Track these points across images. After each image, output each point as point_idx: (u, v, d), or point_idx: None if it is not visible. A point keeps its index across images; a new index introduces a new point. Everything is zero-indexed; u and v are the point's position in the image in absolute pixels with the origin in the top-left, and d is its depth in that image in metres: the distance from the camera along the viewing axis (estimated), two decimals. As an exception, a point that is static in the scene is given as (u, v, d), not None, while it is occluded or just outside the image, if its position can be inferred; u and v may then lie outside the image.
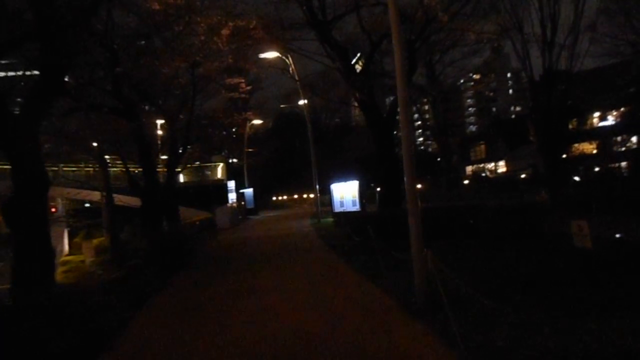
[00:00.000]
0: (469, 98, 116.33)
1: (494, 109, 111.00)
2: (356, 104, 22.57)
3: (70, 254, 40.12)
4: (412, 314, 7.12)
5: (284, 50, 22.98)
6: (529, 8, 24.33)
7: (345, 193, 26.05)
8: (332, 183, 28.27)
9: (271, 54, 24.40)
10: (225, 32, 15.08)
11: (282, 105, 47.63)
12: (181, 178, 40.06)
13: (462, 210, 15.74)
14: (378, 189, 38.66)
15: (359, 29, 17.71)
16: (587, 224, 8.03)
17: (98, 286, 12.74)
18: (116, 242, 16.70)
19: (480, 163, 74.54)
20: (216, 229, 27.39)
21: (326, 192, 33.73)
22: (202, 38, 15.77)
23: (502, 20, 23.75)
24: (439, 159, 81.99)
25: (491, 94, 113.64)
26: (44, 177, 10.66)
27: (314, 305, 8.06)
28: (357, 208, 25.12)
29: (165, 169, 28.92)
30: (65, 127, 25.47)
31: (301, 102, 37.60)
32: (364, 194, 25.67)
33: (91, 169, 37.12)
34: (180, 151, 24.32)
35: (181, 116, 25.01)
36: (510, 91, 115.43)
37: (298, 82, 25.01)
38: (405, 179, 8.08)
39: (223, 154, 47.13)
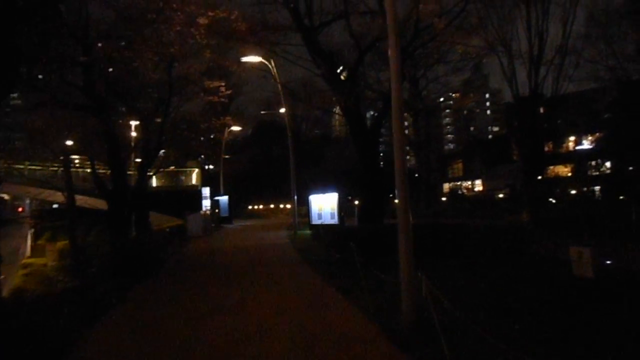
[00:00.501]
0: (446, 117, 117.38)
1: (471, 128, 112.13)
2: (339, 113, 21.84)
3: (33, 256, 38.29)
4: (398, 344, 6.27)
5: (267, 53, 22.17)
6: (516, 25, 24.05)
7: (324, 205, 25.20)
8: (310, 194, 27.42)
9: (254, 58, 23.56)
10: (202, 21, 14.13)
11: (262, 112, 46.78)
12: (154, 182, 38.70)
13: (445, 229, 15.07)
14: (356, 202, 38.12)
15: (346, 36, 17.09)
16: (589, 251, 7.33)
17: (48, 297, 11.58)
18: (75, 247, 15.51)
19: (458, 181, 74.74)
20: (187, 237, 26.20)
21: (304, 203, 32.87)
22: (178, 29, 14.76)
23: (489, 37, 23.45)
24: (416, 175, 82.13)
25: (466, 113, 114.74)
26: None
27: (285, 329, 7.14)
28: (335, 221, 24.27)
29: (137, 172, 27.72)
30: (28, 122, 24.19)
31: (282, 110, 36.80)
32: (343, 206, 24.87)
33: (57, 168, 35.59)
34: (153, 154, 23.18)
35: (158, 119, 23.94)
36: (488, 112, 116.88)
37: (280, 86, 24.17)
38: (397, 192, 7.30)
39: (199, 159, 45.89)
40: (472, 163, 71.82)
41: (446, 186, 72.75)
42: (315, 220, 25.98)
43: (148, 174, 28.73)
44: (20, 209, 63.55)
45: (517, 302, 7.97)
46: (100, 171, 31.62)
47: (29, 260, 35.40)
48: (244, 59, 23.42)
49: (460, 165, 76.78)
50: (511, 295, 8.48)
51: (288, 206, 63.83)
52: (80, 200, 28.64)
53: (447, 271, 10.54)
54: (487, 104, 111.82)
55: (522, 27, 24.19)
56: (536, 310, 7.44)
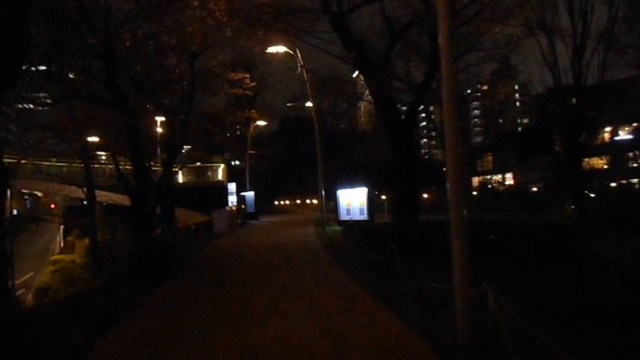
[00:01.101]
0: (474, 109, 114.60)
1: (500, 121, 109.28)
2: (369, 101, 20.60)
3: (63, 252, 38.33)
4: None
5: (292, 42, 21.11)
6: (558, 7, 22.33)
7: (353, 200, 24.12)
8: (337, 189, 26.36)
9: (279, 48, 22.58)
10: None
11: (288, 104, 45.76)
12: (180, 178, 38.21)
13: (487, 225, 13.79)
14: (383, 197, 36.79)
15: (373, 24, 15.91)
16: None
17: (64, 301, 10.82)
18: (96, 246, 14.84)
19: (487, 174, 72.48)
20: (213, 234, 25.46)
21: (331, 198, 31.82)
22: (196, 3, 13.80)
23: (528, 19, 21.85)
24: (444, 169, 79.91)
25: (495, 104, 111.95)
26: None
27: (318, 342, 6.10)
28: (364, 217, 23.17)
29: (162, 168, 27.11)
30: (49, 118, 23.75)
31: (308, 104, 35.78)
32: (373, 202, 23.74)
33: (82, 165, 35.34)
34: (177, 149, 22.45)
35: (182, 116, 23.21)
36: (517, 103, 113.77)
37: (306, 76, 23.11)
38: (448, 183, 6.18)
39: (226, 155, 45.28)
40: (502, 156, 69.62)
41: (475, 180, 70.69)
42: (343, 216, 24.93)
43: (173, 169, 28.18)
44: (52, 206, 64.23)
45: (587, 311, 6.76)
46: (127, 167, 31.28)
47: (59, 257, 35.37)
48: (269, 49, 22.45)
49: (490, 158, 74.56)
50: (579, 303, 7.26)
51: (315, 201, 62.89)
52: (106, 197, 28.26)
53: (496, 273, 9.32)
54: (517, 95, 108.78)
55: (563, 8, 22.50)
56: (612, 320, 6.24)
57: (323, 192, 23.78)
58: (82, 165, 24.98)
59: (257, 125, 42.30)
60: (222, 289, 10.36)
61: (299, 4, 15.53)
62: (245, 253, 16.78)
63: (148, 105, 24.21)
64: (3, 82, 8.58)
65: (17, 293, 24.16)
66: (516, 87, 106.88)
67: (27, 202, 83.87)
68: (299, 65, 22.89)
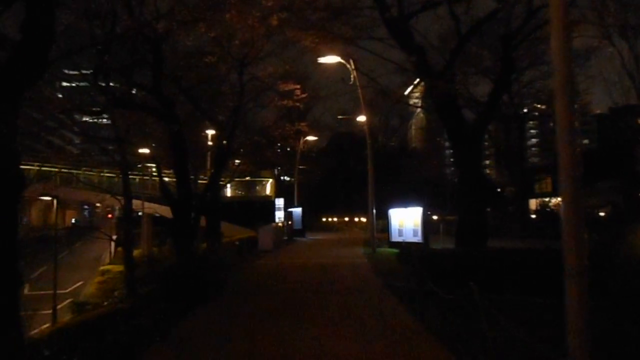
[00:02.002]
0: (530, 129, 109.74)
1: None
2: (423, 111, 18.86)
3: (114, 262, 38.28)
4: None
5: (346, 50, 19.80)
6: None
7: (406, 220, 22.30)
8: (388, 208, 24.61)
9: (331, 59, 21.28)
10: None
11: (339, 117, 44.43)
12: (228, 192, 37.55)
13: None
14: (434, 217, 34.49)
15: (432, 33, 14.28)
16: None
17: (91, 323, 9.71)
18: (129, 263, 13.79)
19: (545, 197, 68.24)
20: (257, 251, 24.23)
21: (382, 217, 30.04)
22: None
23: (605, 28, 19.61)
24: (499, 190, 76.04)
25: (554, 125, 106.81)
26: (15, 175, 7.74)
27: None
28: (418, 239, 21.30)
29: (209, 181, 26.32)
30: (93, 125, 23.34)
31: (359, 118, 34.30)
32: (428, 223, 21.83)
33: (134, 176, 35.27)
34: (224, 162, 21.50)
35: (231, 128, 22.37)
36: (576, 124, 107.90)
37: (359, 85, 21.67)
38: (562, 201, 4.53)
39: (275, 170, 44.49)
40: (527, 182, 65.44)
41: (533, 202, 66.65)
42: (395, 237, 23.13)
43: (220, 182, 27.34)
44: (110, 216, 65.54)
45: None
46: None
47: (108, 267, 35.22)
48: (321, 60, 21.22)
49: (548, 180, 70.31)
50: None
51: (363, 219, 61.02)
52: (151, 209, 27.75)
53: (605, 321, 7.37)
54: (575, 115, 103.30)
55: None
56: None
57: (374, 211, 22.12)
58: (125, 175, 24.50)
59: (307, 141, 41.24)
60: (261, 321, 8.91)
61: (355, 6, 14.11)
62: (290, 275, 15.33)
63: (197, 116, 23.65)
64: (24, 79, 7.58)
65: (64, 303, 23.81)
66: (575, 106, 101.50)
67: (86, 211, 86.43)
68: (352, 75, 21.50)
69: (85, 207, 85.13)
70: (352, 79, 21.47)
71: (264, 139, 29.16)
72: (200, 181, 29.90)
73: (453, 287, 9.89)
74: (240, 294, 12.44)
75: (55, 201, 20.51)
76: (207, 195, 19.55)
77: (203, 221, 24.77)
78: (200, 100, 22.37)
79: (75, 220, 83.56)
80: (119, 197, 15.49)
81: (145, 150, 25.71)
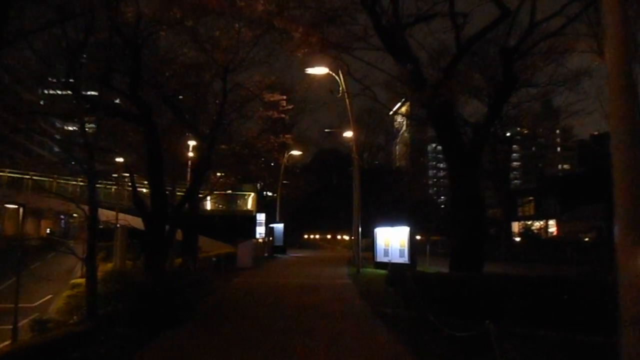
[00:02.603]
0: (514, 152, 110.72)
1: (540, 165, 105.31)
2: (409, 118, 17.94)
3: (85, 276, 36.29)
4: None
5: (335, 60, 18.88)
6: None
7: (392, 240, 21.28)
8: (371, 226, 23.58)
9: (320, 70, 20.40)
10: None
11: (326, 130, 43.48)
12: (208, 205, 36.15)
13: (560, 284, 10.67)
14: (417, 237, 33.34)
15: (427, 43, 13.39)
16: None
17: (28, 351, 8.38)
18: (92, 280, 12.43)
19: (528, 219, 68.10)
20: (236, 268, 22.90)
21: (366, 236, 28.99)
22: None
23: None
24: (490, 210, 75.60)
25: (535, 149, 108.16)
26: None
27: None
28: (405, 260, 20.27)
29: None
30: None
31: (347, 134, 33.46)
32: (414, 243, 20.81)
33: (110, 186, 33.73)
34: (202, 173, 20.28)
35: (211, 136, 21.22)
36: (558, 149, 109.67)
37: (348, 101, 20.78)
38: (617, 221, 3.52)
39: (259, 185, 43.24)
40: (545, 202, 65.38)
41: (515, 225, 66.33)
42: (380, 257, 22.07)
43: (200, 195, 26.02)
44: (87, 228, 63.25)
45: None
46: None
47: (79, 280, 33.34)
48: (309, 70, 20.31)
49: (531, 204, 70.25)
50: None
51: (346, 237, 59.97)
52: (125, 220, 26.29)
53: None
54: (558, 140, 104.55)
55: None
56: None
57: (360, 229, 21.05)
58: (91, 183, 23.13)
59: (291, 155, 40.22)
60: (234, 353, 7.70)
61: (347, 12, 13.17)
62: (269, 296, 14.09)
63: (178, 127, 22.47)
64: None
65: (31, 317, 22.13)
66: (557, 131, 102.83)
67: (62, 221, 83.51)
68: (340, 87, 20.61)
69: (62, 216, 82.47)
70: (340, 91, 20.57)
71: (246, 151, 28.04)
72: (178, 193, 28.55)
73: (454, 316, 8.87)
74: (214, 318, 11.18)
75: (21, 209, 19.01)
76: (183, 206, 18.25)
77: (180, 235, 23.46)
78: (182, 110, 21.27)
79: (51, 230, 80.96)
80: (83, 207, 14.19)
81: (120, 159, 24.39)
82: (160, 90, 19.17)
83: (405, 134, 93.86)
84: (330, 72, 20.52)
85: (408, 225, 20.41)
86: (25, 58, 16.42)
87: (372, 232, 23.08)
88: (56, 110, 16.49)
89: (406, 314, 10.39)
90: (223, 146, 26.71)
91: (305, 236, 60.82)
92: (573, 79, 31.21)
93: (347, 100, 20.83)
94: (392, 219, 25.74)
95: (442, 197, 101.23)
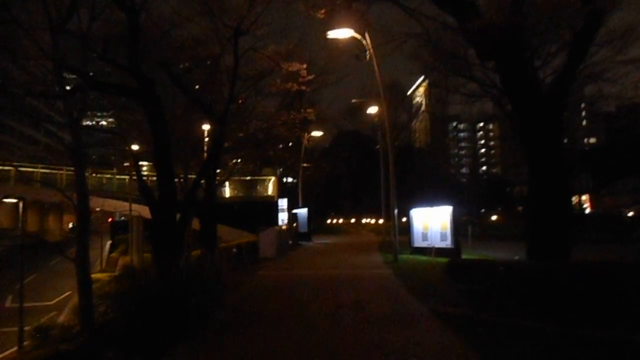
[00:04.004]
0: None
1: (565, 140, 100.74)
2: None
3: (106, 269, 34.75)
4: None
5: (360, 22, 16.32)
6: None
7: (431, 222, 18.75)
8: (399, 208, 20.98)
9: (343, 33, 17.78)
10: None
11: (353, 100, 40.71)
12: (227, 192, 34.02)
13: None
14: (464, 218, 30.43)
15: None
16: None
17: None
18: (85, 285, 10.23)
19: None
20: (259, 258, 20.65)
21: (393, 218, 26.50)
22: None
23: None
24: (508, 189, 72.31)
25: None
26: None
27: None
28: (447, 244, 17.76)
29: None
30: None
31: (371, 110, 30.83)
32: (460, 225, 18.28)
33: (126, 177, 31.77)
34: (216, 152, 17.98)
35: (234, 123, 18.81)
36: (584, 122, 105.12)
37: (376, 67, 18.14)
38: None
39: (278, 171, 40.99)
40: (577, 176, 61.82)
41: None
42: (418, 242, 19.57)
43: (216, 181, 23.81)
44: (110, 219, 62.47)
45: None
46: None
47: (99, 275, 31.80)
48: (331, 34, 17.71)
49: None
50: None
51: (370, 221, 57.58)
52: (135, 211, 24.31)
53: None
54: (583, 113, 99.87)
55: None
56: None
57: (396, 211, 18.55)
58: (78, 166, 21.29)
59: (312, 137, 37.72)
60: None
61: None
62: (298, 294, 11.72)
63: (192, 113, 20.25)
64: None
65: (49, 315, 20.47)
66: (582, 105, 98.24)
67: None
68: (367, 52, 17.99)
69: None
70: (367, 56, 17.95)
71: (263, 135, 25.78)
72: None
73: (553, 320, 6.45)
74: (236, 328, 8.86)
75: (21, 203, 17.02)
76: (196, 190, 16.01)
77: (197, 225, 21.37)
78: (192, 89, 19.03)
79: (73, 225, 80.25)
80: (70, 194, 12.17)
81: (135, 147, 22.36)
82: (167, 67, 16.94)
83: (425, 115, 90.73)
84: (355, 35, 17.87)
85: (450, 205, 17.83)
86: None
87: (402, 214, 20.52)
88: (37, 88, 14.35)
89: (477, 316, 7.93)
90: (240, 134, 24.47)
91: (328, 221, 58.54)
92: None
93: (375, 67, 18.18)
94: (427, 199, 23.24)
95: (464, 178, 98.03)
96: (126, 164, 27.34)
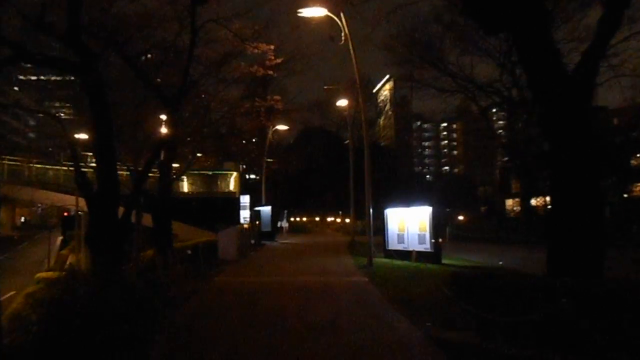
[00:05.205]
0: (499, 129, 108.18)
1: (519, 143, 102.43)
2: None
3: (52, 269, 31.66)
4: None
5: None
6: None
7: (409, 223, 17.07)
8: (364, 207, 19.28)
9: (316, 11, 15.87)
10: None
11: (325, 87, 38.82)
12: (185, 187, 31.50)
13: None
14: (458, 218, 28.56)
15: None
16: None
17: None
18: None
19: (516, 197, 65.06)
20: (217, 261, 18.46)
21: (362, 218, 24.86)
22: None
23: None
24: (480, 187, 72.13)
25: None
26: None
27: None
28: (426, 247, 16.14)
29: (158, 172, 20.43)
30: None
31: (340, 102, 29.03)
32: (439, 226, 16.69)
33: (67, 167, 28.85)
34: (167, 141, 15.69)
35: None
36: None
37: (351, 45, 16.28)
38: None
39: (241, 166, 38.63)
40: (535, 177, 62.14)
41: (509, 203, 62.95)
42: (393, 245, 17.88)
43: (172, 175, 21.43)
44: (65, 214, 58.64)
45: None
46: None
47: (46, 274, 28.80)
48: (303, 12, 15.77)
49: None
50: None
51: (335, 219, 55.92)
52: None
53: None
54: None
55: None
56: None
57: (371, 210, 16.76)
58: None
59: (277, 131, 35.63)
60: None
61: None
62: (258, 310, 9.67)
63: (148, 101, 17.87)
64: None
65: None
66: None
67: (39, 209, 77.76)
68: (342, 33, 16.14)
69: (39, 205, 77.17)
70: (342, 38, 16.09)
71: (226, 128, 23.61)
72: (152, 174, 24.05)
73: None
74: (178, 352, 6.82)
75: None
76: (143, 182, 13.73)
77: (148, 220, 19.01)
78: (146, 70, 16.68)
79: (25, 218, 75.71)
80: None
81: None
82: (119, 48, 14.59)
83: (389, 112, 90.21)
84: (330, 14, 15.98)
85: (430, 205, 16.19)
86: None
87: (384, 213, 18.74)
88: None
89: (496, 347, 6.15)
90: (204, 129, 22.26)
91: (292, 219, 56.51)
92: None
93: (350, 49, 16.34)
94: (396, 198, 21.66)
95: (428, 176, 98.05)
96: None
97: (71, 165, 17.28)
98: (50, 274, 27.97)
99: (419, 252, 15.95)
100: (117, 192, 11.53)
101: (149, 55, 18.92)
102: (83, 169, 13.25)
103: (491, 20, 8.24)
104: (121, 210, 11.97)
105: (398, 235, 17.44)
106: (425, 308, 8.81)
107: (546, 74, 7.37)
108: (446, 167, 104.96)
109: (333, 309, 9.49)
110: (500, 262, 15.49)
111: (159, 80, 17.72)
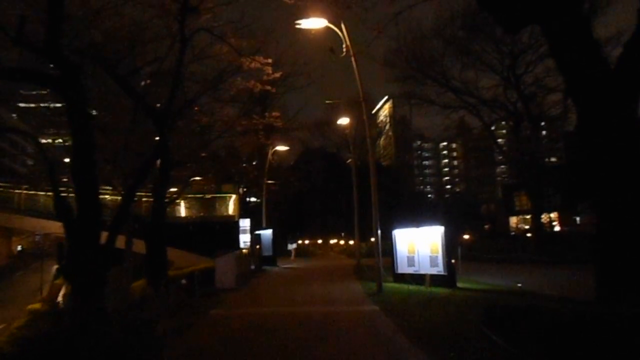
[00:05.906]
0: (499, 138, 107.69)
1: (526, 158, 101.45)
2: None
3: (43, 300, 30.15)
4: None
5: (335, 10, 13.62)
6: None
7: (419, 245, 15.78)
8: (370, 228, 18.01)
9: (316, 22, 14.91)
10: None
11: (327, 101, 37.80)
12: (182, 211, 30.23)
13: None
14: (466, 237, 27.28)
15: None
16: None
17: None
18: None
19: (526, 214, 63.60)
20: (214, 290, 17.10)
21: (365, 240, 23.55)
22: None
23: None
24: (483, 205, 70.79)
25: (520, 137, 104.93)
26: None
27: None
28: (439, 270, 14.83)
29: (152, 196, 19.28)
30: None
31: (342, 121, 28.05)
32: (452, 248, 15.41)
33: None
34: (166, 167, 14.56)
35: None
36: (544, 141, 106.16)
37: (354, 58, 15.27)
38: None
39: (241, 190, 37.46)
40: (542, 195, 60.89)
41: (513, 220, 61.50)
42: (403, 268, 16.54)
43: (164, 195, 20.25)
44: (62, 242, 57.16)
45: None
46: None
47: (36, 305, 27.34)
48: (302, 23, 14.82)
49: (523, 198, 65.73)
50: None
51: (339, 242, 54.41)
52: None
53: None
54: (543, 132, 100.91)
55: None
56: None
57: (379, 232, 15.53)
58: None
59: (277, 152, 34.58)
60: None
61: None
62: (259, 349, 8.36)
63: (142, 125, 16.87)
64: None
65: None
66: (542, 123, 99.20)
67: (38, 237, 76.32)
68: (343, 45, 15.17)
69: (37, 234, 75.73)
70: (344, 49, 15.11)
71: (225, 151, 22.59)
72: (147, 198, 22.88)
73: None
74: None
75: None
76: (129, 205, 12.54)
77: (141, 246, 17.79)
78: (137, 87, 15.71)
79: (22, 247, 74.37)
80: None
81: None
82: (108, 65, 13.67)
83: (389, 133, 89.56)
84: (330, 26, 15.04)
85: (443, 225, 14.93)
86: None
87: (391, 234, 17.45)
88: None
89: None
90: (203, 154, 21.29)
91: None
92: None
93: (352, 61, 15.34)
94: (401, 218, 20.43)
95: (430, 195, 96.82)
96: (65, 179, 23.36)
97: (50, 190, 16.12)
98: (39, 305, 26.50)
99: (431, 276, 14.63)
100: (98, 216, 10.32)
101: (148, 81, 18.07)
102: (63, 194, 12.03)
103: (515, 13, 7.17)
104: (105, 236, 10.79)
105: (408, 257, 16.12)
106: (449, 343, 7.50)
107: (587, 70, 6.25)
108: (448, 186, 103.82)
109: (341, 347, 8.17)
110: (519, 285, 14.19)
111: (158, 105, 16.70)
